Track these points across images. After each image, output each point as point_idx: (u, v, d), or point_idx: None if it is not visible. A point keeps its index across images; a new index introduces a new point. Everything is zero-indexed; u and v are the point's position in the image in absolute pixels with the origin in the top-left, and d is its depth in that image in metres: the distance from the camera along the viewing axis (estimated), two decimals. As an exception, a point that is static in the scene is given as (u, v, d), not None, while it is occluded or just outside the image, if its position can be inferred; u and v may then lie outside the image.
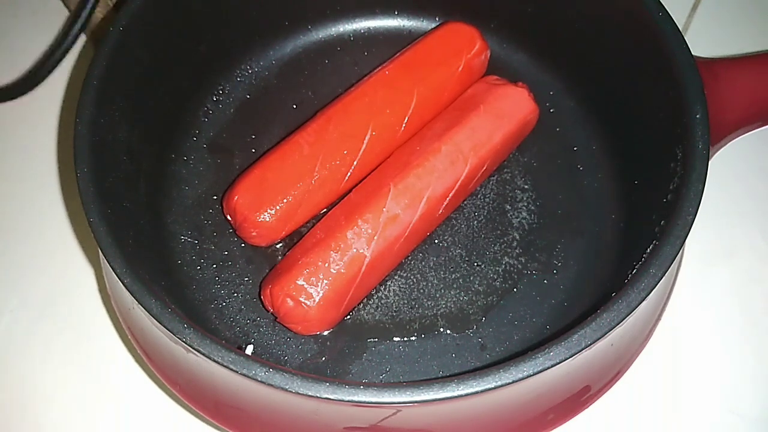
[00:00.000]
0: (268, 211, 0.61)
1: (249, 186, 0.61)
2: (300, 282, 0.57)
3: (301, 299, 0.57)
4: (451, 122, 0.63)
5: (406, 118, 0.64)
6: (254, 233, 0.62)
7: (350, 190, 0.63)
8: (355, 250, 0.58)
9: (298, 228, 0.64)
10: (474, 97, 0.65)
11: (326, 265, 0.57)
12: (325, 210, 0.64)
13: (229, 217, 0.63)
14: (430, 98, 0.65)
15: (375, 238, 0.58)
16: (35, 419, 0.63)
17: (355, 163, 0.63)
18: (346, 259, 0.58)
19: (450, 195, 0.62)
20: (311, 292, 0.57)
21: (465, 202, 0.66)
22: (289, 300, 0.57)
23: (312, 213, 0.63)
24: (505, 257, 0.64)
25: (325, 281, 0.57)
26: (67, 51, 0.69)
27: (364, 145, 0.63)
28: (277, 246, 0.65)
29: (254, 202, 0.61)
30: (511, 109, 0.64)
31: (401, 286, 0.63)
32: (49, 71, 0.70)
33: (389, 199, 0.60)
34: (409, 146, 0.64)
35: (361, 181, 0.63)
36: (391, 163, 0.63)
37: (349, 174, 0.63)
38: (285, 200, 0.61)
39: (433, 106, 0.65)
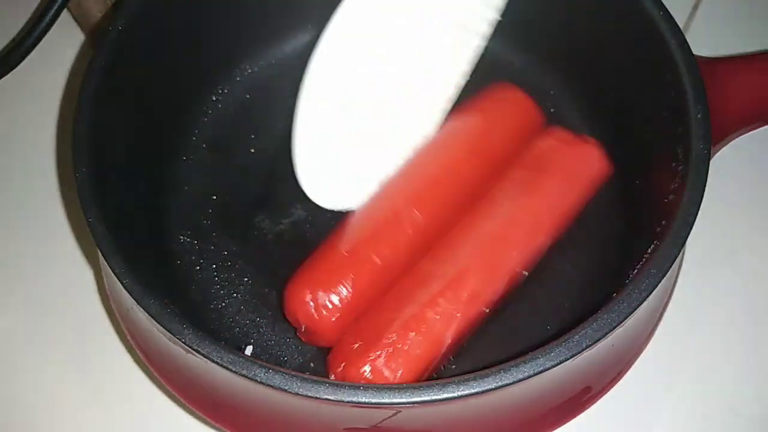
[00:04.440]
0: (334, 314, 0.56)
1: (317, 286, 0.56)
2: (378, 364, 0.53)
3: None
4: (523, 186, 0.60)
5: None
6: (317, 337, 0.57)
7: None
8: (436, 335, 0.54)
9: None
10: (543, 157, 0.62)
11: (405, 347, 0.53)
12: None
13: (290, 316, 0.58)
14: (488, 170, 0.62)
15: (457, 319, 0.54)
16: (33, 420, 0.63)
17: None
18: (425, 341, 0.53)
19: (530, 265, 0.58)
20: (388, 376, 0.53)
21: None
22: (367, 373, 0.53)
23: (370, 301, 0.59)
24: (506, 257, 0.64)
25: (402, 363, 0.53)
26: (43, 33, 0.68)
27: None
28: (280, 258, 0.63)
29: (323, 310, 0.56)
30: (583, 168, 0.61)
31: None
32: (25, 54, 0.70)
33: (470, 276, 0.55)
34: (481, 211, 0.60)
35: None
36: (462, 229, 0.59)
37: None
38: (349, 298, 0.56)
39: (490, 177, 0.62)
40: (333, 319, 0.55)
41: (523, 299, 0.62)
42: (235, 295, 0.63)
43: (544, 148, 0.63)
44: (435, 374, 0.57)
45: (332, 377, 0.55)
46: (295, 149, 0.61)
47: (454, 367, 0.59)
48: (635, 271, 0.51)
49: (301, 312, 0.56)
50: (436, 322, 0.54)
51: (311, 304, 0.55)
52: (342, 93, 0.59)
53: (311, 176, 0.61)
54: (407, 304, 0.55)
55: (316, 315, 0.55)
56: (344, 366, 0.54)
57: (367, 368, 0.53)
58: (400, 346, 0.53)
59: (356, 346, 0.54)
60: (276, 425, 0.52)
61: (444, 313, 0.54)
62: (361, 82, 0.57)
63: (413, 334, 0.53)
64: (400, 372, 0.53)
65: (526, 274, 0.58)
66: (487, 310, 0.56)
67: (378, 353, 0.53)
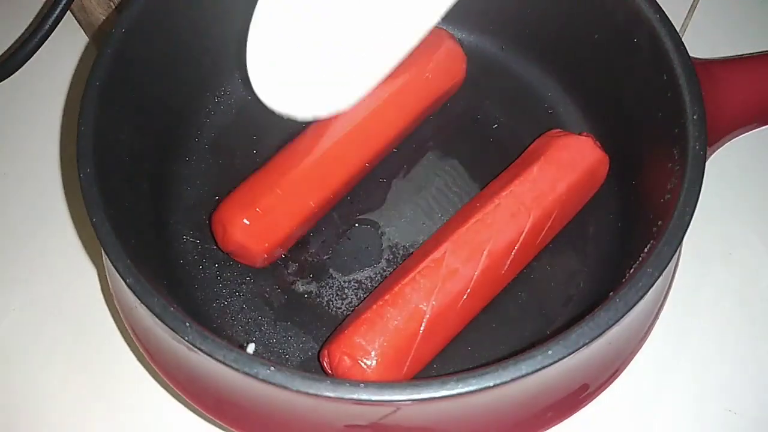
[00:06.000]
0: (246, 218, 0.59)
1: (228, 205, 0.61)
2: (358, 340, 0.54)
3: (358, 358, 0.54)
4: (512, 176, 0.61)
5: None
6: (242, 246, 0.60)
7: (337, 189, 0.63)
8: (414, 306, 0.55)
9: (293, 238, 0.63)
10: (535, 151, 0.63)
11: (384, 321, 0.54)
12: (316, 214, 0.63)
13: (223, 247, 0.62)
14: (403, 99, 0.65)
15: (434, 292, 0.55)
16: (38, 418, 0.64)
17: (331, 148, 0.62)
18: (404, 315, 0.55)
19: (514, 249, 0.58)
20: (369, 350, 0.54)
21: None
22: (346, 359, 0.54)
23: (299, 216, 0.62)
24: (504, 257, 0.64)
25: (383, 338, 0.54)
26: (47, 35, 0.69)
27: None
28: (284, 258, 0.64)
29: (233, 214, 0.60)
30: (574, 158, 0.61)
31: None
32: (29, 56, 0.70)
33: (447, 253, 0.57)
34: (469, 204, 0.62)
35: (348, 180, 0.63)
36: (451, 221, 0.62)
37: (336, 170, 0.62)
38: (260, 207, 0.60)
39: (408, 105, 0.66)
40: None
41: (519, 297, 0.62)
42: (237, 293, 0.63)
43: (537, 146, 0.64)
44: (427, 364, 0.58)
45: (324, 362, 0.56)
46: (249, 46, 0.57)
47: (451, 365, 0.60)
48: (632, 270, 0.51)
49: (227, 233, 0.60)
50: (413, 295, 0.55)
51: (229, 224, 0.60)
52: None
53: (263, 76, 0.59)
54: (388, 289, 0.56)
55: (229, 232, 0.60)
56: (328, 349, 0.56)
57: (347, 345, 0.54)
58: (377, 320, 0.54)
59: (339, 329, 0.56)
60: (278, 422, 0.52)
61: (421, 288, 0.55)
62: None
63: (390, 308, 0.55)
64: (377, 343, 0.54)
65: (512, 255, 0.59)
66: (468, 290, 0.57)
67: (357, 330, 0.54)
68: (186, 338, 0.47)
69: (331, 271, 0.64)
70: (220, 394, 0.53)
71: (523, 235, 0.59)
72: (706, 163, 0.53)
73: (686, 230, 0.51)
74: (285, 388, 0.45)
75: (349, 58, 0.58)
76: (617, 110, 0.65)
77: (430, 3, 0.57)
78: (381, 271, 0.64)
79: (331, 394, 0.45)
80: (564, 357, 0.46)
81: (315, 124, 0.64)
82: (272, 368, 0.46)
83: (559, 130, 0.65)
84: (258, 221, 0.60)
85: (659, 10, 0.58)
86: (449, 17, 0.72)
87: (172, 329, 0.48)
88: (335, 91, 0.58)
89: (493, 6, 0.71)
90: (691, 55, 0.56)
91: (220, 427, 0.60)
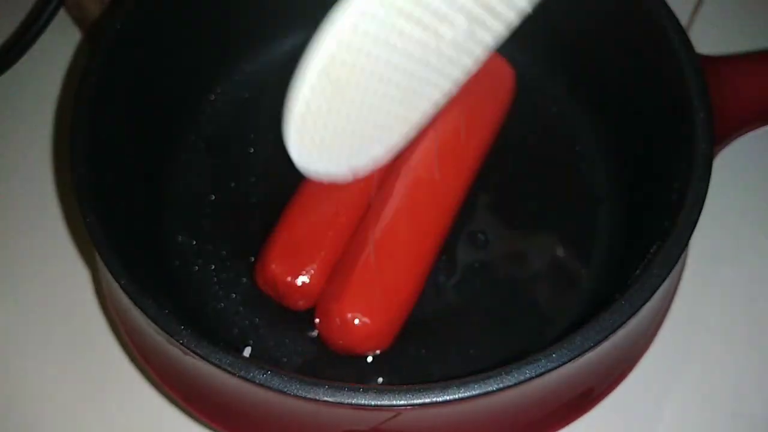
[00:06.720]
0: (309, 270, 0.58)
1: (282, 251, 0.58)
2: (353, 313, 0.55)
3: (356, 319, 0.55)
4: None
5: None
6: (300, 299, 0.59)
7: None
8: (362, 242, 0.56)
9: None
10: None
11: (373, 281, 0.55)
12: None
13: (267, 290, 0.60)
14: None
15: (377, 224, 0.56)
16: (29, 421, 0.63)
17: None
18: (355, 251, 0.56)
19: (435, 163, 0.60)
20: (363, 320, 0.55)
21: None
22: (338, 320, 0.55)
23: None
24: (507, 258, 0.64)
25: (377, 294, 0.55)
26: (40, 32, 0.68)
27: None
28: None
29: (292, 266, 0.58)
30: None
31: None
32: (21, 52, 0.69)
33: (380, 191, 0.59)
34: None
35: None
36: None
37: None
38: (322, 253, 0.58)
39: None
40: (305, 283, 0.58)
41: (521, 300, 0.62)
42: (233, 295, 0.63)
43: None
44: (410, 304, 0.58)
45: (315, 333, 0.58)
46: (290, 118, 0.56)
47: (453, 369, 0.59)
48: (638, 271, 0.50)
49: (278, 282, 0.58)
50: (362, 234, 0.57)
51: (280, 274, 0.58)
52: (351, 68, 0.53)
53: (304, 148, 0.57)
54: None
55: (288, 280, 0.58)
56: (321, 321, 0.57)
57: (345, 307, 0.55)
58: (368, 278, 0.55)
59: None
60: (275, 427, 0.51)
61: (367, 230, 0.57)
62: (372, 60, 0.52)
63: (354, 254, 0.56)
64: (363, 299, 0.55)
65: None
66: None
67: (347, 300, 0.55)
68: (181, 341, 0.47)
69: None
70: (215, 399, 0.52)
71: (437, 150, 0.59)
72: (713, 162, 0.52)
73: (693, 231, 0.50)
74: (282, 392, 0.45)
75: (389, 109, 0.56)
76: (622, 109, 0.65)
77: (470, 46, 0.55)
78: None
79: (330, 399, 0.44)
80: (568, 361, 0.45)
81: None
82: (269, 372, 0.45)
83: None
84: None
85: (665, 5, 0.58)
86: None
87: (166, 332, 0.47)
88: (375, 144, 0.57)
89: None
90: (697, 51, 0.56)
91: None
